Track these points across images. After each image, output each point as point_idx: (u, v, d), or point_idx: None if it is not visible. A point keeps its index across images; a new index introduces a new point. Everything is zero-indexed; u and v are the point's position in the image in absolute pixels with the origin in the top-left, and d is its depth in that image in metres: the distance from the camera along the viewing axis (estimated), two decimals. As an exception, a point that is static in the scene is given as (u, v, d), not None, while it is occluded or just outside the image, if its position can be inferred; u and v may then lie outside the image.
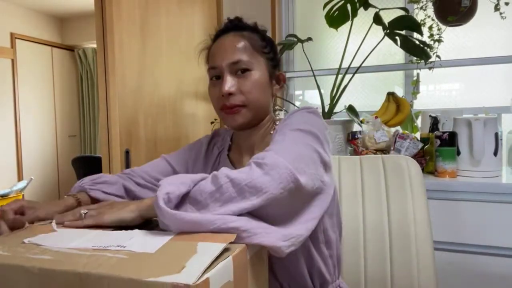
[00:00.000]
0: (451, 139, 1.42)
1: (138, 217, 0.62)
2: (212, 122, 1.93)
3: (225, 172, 0.59)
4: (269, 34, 0.91)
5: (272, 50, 0.87)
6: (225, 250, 0.49)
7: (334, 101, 1.70)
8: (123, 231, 0.58)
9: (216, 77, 0.83)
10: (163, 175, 0.91)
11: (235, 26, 0.86)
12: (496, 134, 1.41)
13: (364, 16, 1.90)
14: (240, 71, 0.80)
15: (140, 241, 0.52)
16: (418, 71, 1.83)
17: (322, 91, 1.75)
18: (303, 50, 1.81)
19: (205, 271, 0.42)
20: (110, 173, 1.42)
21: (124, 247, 0.50)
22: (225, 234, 0.53)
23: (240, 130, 0.87)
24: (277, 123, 0.88)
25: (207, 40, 0.89)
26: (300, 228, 0.61)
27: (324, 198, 0.69)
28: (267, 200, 0.57)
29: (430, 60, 1.62)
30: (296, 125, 0.74)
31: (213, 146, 0.96)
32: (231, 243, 0.51)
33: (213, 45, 0.86)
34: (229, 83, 0.79)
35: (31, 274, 0.45)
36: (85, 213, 0.64)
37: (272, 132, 0.87)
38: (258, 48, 0.83)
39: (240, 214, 0.56)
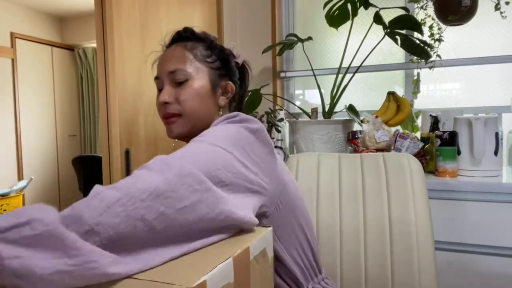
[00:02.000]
0: (451, 139, 1.42)
1: None
2: (212, 122, 1.93)
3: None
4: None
5: (219, 59, 0.85)
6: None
7: (334, 100, 1.70)
8: None
9: (159, 88, 0.84)
10: None
11: (181, 36, 0.86)
12: (497, 134, 1.41)
13: (365, 16, 1.90)
14: (179, 81, 0.80)
15: None
16: (419, 70, 1.83)
17: (322, 90, 1.75)
18: (303, 50, 1.81)
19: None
20: (110, 173, 1.42)
21: None
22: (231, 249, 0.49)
23: (181, 140, 0.84)
24: None
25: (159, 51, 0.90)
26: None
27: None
28: None
29: (431, 59, 1.62)
30: (200, 137, 0.66)
31: None
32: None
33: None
34: (166, 93, 0.80)
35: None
36: None
37: None
38: (200, 57, 0.82)
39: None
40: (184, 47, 0.83)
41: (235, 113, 0.72)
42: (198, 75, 0.81)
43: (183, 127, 0.80)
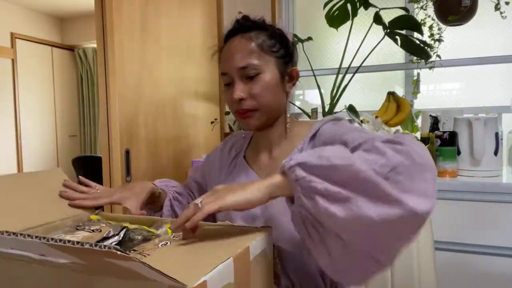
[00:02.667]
0: (451, 139, 1.42)
1: (266, 195, 0.58)
2: (212, 122, 1.93)
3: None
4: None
5: (283, 47, 0.85)
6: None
7: (334, 100, 1.70)
8: None
9: (228, 82, 0.84)
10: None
11: (243, 26, 0.85)
12: (497, 134, 1.41)
13: (364, 16, 1.90)
14: (250, 75, 0.80)
15: None
16: (419, 70, 1.83)
17: (322, 90, 1.75)
18: (303, 50, 1.81)
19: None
20: (110, 173, 1.42)
21: None
22: (237, 247, 0.50)
23: (257, 131, 0.88)
24: (289, 120, 0.91)
25: (221, 42, 0.89)
26: None
27: None
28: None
29: (431, 59, 1.62)
30: (350, 130, 0.77)
31: (229, 149, 0.97)
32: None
33: (223, 48, 0.86)
34: (239, 89, 0.80)
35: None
36: (200, 202, 0.58)
37: (288, 128, 0.89)
38: (267, 49, 0.82)
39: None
40: (249, 39, 0.82)
41: (338, 115, 0.88)
42: (268, 67, 0.81)
43: (260, 119, 0.83)
